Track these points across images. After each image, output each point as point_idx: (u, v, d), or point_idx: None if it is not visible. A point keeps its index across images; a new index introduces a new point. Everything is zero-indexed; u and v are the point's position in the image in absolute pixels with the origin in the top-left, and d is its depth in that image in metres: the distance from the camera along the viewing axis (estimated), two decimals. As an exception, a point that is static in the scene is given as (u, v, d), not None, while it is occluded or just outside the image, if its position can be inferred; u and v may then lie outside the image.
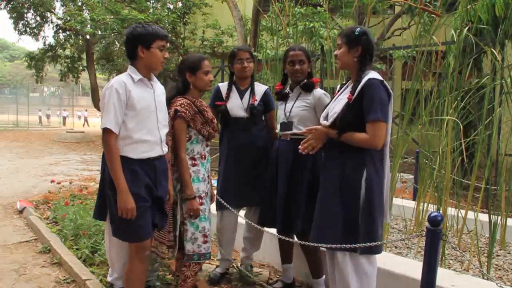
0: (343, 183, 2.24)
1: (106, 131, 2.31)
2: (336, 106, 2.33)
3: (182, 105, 2.64)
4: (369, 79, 2.21)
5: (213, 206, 3.28)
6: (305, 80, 2.87)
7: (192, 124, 2.66)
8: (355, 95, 2.22)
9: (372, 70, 2.30)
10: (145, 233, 2.42)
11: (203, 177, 2.72)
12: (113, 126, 2.30)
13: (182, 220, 2.67)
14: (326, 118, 2.37)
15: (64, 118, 32.04)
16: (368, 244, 2.13)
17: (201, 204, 2.70)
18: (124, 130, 2.36)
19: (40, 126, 27.91)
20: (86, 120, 33.25)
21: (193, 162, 2.70)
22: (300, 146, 2.36)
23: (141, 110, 2.38)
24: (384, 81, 2.24)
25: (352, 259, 2.21)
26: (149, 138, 2.41)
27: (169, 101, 2.68)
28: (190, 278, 2.69)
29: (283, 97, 2.96)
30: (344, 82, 2.52)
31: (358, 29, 2.29)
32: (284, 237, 2.64)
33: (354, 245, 2.14)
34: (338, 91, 2.48)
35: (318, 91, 2.84)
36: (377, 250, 2.24)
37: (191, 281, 2.70)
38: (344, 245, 2.15)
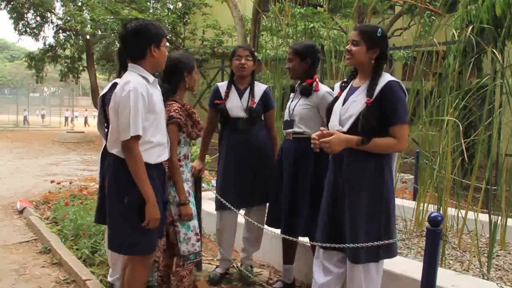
0: (369, 189, 2.16)
1: (134, 138, 2.12)
2: (351, 109, 2.19)
3: (176, 111, 2.60)
4: (389, 82, 2.13)
5: (212, 207, 3.29)
6: (304, 84, 2.82)
7: (185, 128, 2.64)
8: (373, 97, 2.12)
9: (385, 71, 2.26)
10: (155, 243, 2.37)
11: (186, 178, 2.71)
12: (141, 133, 2.15)
13: (171, 221, 2.65)
14: (340, 124, 2.21)
15: (67, 118, 32.00)
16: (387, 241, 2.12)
17: None
18: (144, 135, 2.20)
19: (27, 125, 27.35)
20: (86, 120, 33.25)
21: (179, 163, 2.67)
22: (315, 141, 2.13)
23: (159, 112, 2.29)
24: (401, 82, 2.18)
25: (364, 267, 2.18)
26: (164, 141, 2.34)
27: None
28: (186, 277, 2.68)
29: (292, 91, 2.94)
30: (346, 80, 2.39)
31: (380, 30, 2.21)
32: (289, 237, 2.63)
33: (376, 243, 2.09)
34: (342, 90, 2.35)
35: (322, 90, 2.77)
36: (396, 252, 2.26)
37: (188, 280, 2.70)
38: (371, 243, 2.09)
